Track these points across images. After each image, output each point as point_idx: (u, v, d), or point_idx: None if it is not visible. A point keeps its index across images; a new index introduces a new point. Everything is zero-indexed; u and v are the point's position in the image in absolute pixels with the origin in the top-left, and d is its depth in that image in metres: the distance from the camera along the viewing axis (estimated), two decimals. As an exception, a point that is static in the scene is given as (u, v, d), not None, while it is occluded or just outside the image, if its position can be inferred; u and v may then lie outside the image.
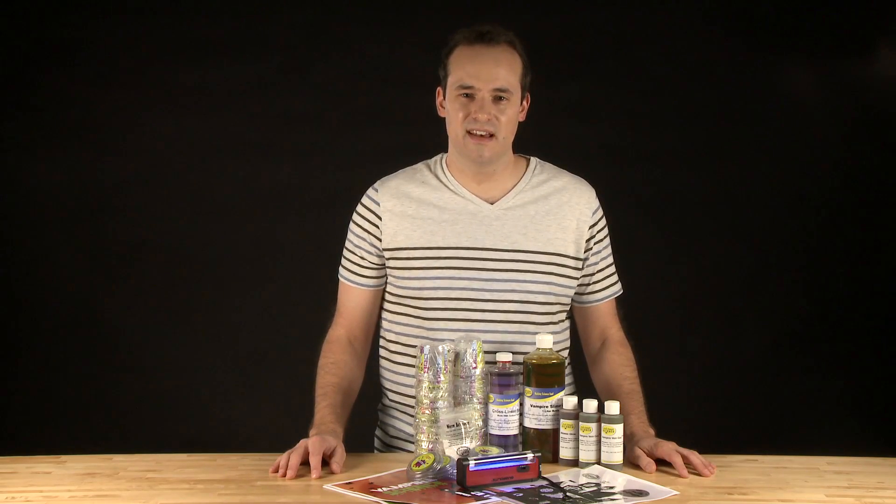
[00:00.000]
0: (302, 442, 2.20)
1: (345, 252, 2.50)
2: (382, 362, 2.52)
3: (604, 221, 2.51)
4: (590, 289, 2.51)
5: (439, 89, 2.45)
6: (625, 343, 2.51)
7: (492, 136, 2.36)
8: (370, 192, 2.48)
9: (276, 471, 2.16)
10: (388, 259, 2.44)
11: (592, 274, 2.50)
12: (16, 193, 4.04)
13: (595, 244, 2.48)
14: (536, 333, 2.34)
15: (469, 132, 2.36)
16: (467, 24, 2.42)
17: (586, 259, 2.47)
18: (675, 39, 4.05)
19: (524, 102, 2.44)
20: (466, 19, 2.46)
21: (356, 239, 2.47)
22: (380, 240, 2.44)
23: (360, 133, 4.03)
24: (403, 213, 2.43)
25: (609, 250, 2.53)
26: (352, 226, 2.49)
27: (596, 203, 2.50)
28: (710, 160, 4.08)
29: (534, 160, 2.51)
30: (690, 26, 4.05)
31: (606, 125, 4.03)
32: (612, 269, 2.54)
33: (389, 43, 4.03)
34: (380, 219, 2.44)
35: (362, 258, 2.46)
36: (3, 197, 4.04)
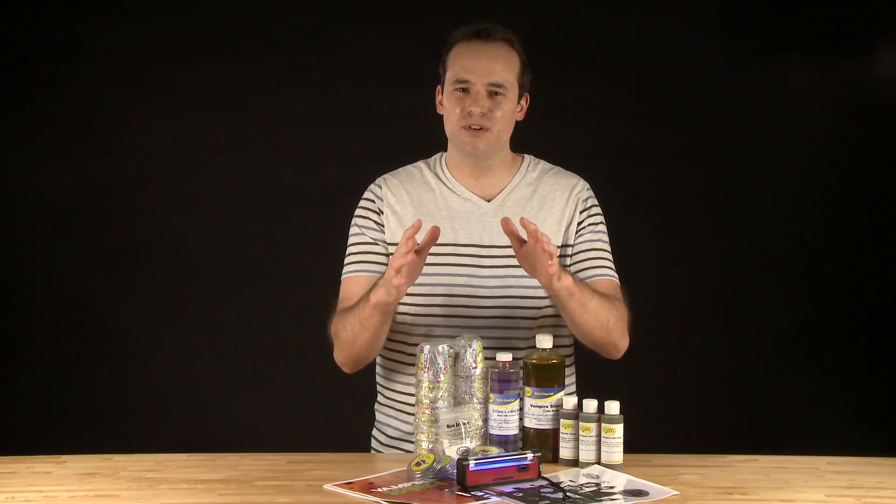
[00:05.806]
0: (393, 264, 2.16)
1: (349, 248, 2.48)
2: (379, 360, 2.52)
3: (597, 209, 2.48)
4: (578, 266, 2.43)
5: (439, 88, 2.47)
6: (620, 301, 2.41)
7: (486, 129, 2.37)
8: (373, 187, 2.50)
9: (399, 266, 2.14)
10: (388, 255, 2.44)
11: (582, 252, 2.44)
12: (16, 193, 4.03)
13: (587, 226, 2.45)
14: (533, 329, 2.34)
15: (464, 126, 2.37)
16: (467, 24, 2.43)
17: (574, 245, 2.44)
18: (675, 39, 4.05)
19: (523, 101, 2.45)
20: (466, 19, 2.46)
21: (362, 226, 2.46)
22: (383, 232, 2.45)
23: (360, 133, 4.02)
24: (403, 213, 2.45)
25: (604, 240, 2.47)
26: (355, 220, 2.49)
27: (588, 193, 2.48)
28: (710, 160, 4.07)
29: (528, 157, 2.52)
30: (690, 26, 4.05)
31: (606, 125, 4.02)
32: (606, 254, 2.46)
33: (389, 43, 4.03)
34: (382, 213, 2.46)
35: (373, 242, 2.44)
36: (3, 197, 4.04)
